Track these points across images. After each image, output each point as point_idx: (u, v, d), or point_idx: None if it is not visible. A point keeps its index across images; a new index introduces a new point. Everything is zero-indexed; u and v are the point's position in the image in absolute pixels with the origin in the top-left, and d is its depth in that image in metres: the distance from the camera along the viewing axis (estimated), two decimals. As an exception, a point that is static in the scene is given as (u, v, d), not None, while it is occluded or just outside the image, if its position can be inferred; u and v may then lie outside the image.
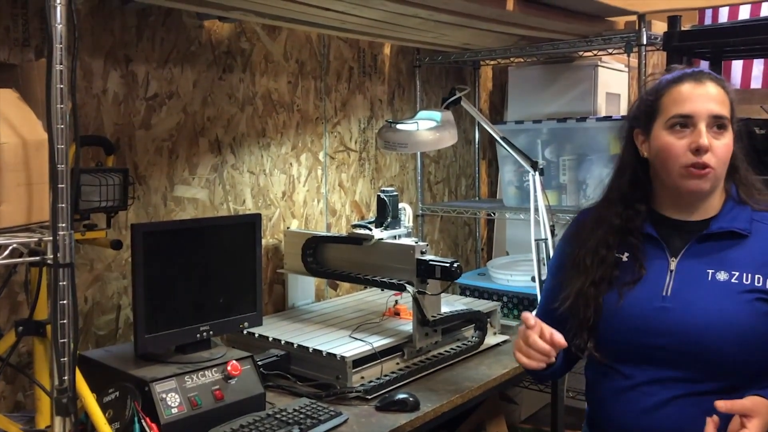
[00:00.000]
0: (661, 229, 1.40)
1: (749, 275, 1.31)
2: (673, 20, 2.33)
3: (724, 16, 3.71)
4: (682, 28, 2.35)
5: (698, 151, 1.30)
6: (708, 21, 3.74)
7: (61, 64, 1.15)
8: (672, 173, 1.35)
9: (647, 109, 1.40)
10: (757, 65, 3.74)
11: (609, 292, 1.39)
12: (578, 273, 1.42)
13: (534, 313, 1.39)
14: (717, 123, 1.32)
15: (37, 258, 1.21)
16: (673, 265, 1.36)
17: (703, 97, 1.33)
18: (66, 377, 1.19)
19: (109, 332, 2.03)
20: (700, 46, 2.38)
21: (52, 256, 1.18)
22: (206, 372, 1.69)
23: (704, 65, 2.82)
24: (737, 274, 1.32)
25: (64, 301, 1.18)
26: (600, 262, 1.41)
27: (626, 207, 1.42)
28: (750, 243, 1.34)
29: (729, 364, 1.27)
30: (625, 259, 1.41)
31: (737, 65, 3.72)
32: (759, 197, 1.39)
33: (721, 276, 1.32)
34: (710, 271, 1.33)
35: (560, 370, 1.53)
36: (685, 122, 1.33)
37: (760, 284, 1.30)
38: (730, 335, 1.27)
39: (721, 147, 1.32)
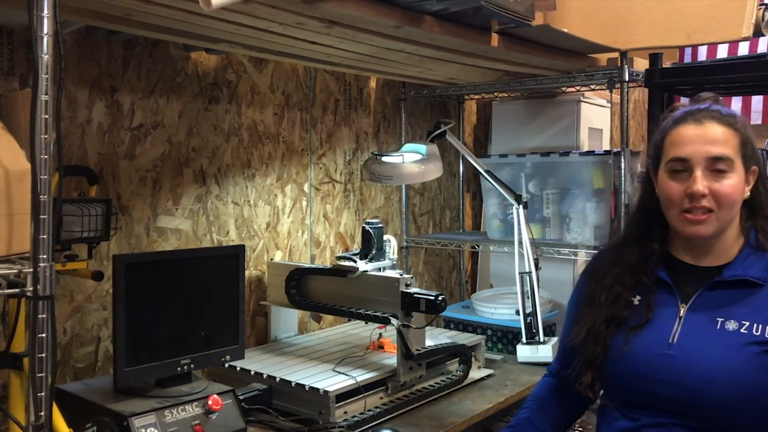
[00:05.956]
0: (674, 274, 1.38)
1: (759, 326, 1.27)
2: (654, 57, 2.38)
3: (703, 54, 3.80)
4: (663, 65, 2.39)
5: (693, 197, 1.29)
6: (688, 58, 3.83)
7: (46, 94, 1.14)
8: (672, 218, 1.35)
9: (655, 149, 1.40)
10: (735, 102, 3.83)
11: (616, 334, 1.37)
12: (591, 309, 1.42)
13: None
14: (717, 164, 1.30)
15: (17, 290, 1.18)
16: (682, 312, 1.34)
17: (700, 138, 1.31)
18: (43, 413, 1.16)
19: (88, 365, 1.99)
20: (681, 83, 2.42)
21: (31, 288, 1.15)
22: (186, 406, 1.66)
23: (685, 102, 2.87)
24: (747, 324, 1.28)
25: (43, 335, 1.16)
26: (614, 299, 1.40)
27: (642, 246, 1.42)
28: (764, 293, 1.30)
29: (732, 417, 1.24)
30: (636, 302, 1.39)
31: (716, 102, 3.79)
32: None
33: (731, 325, 1.29)
34: (720, 320, 1.30)
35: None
36: (682, 166, 1.32)
37: None
38: (734, 389, 1.24)
39: (722, 189, 1.29)
